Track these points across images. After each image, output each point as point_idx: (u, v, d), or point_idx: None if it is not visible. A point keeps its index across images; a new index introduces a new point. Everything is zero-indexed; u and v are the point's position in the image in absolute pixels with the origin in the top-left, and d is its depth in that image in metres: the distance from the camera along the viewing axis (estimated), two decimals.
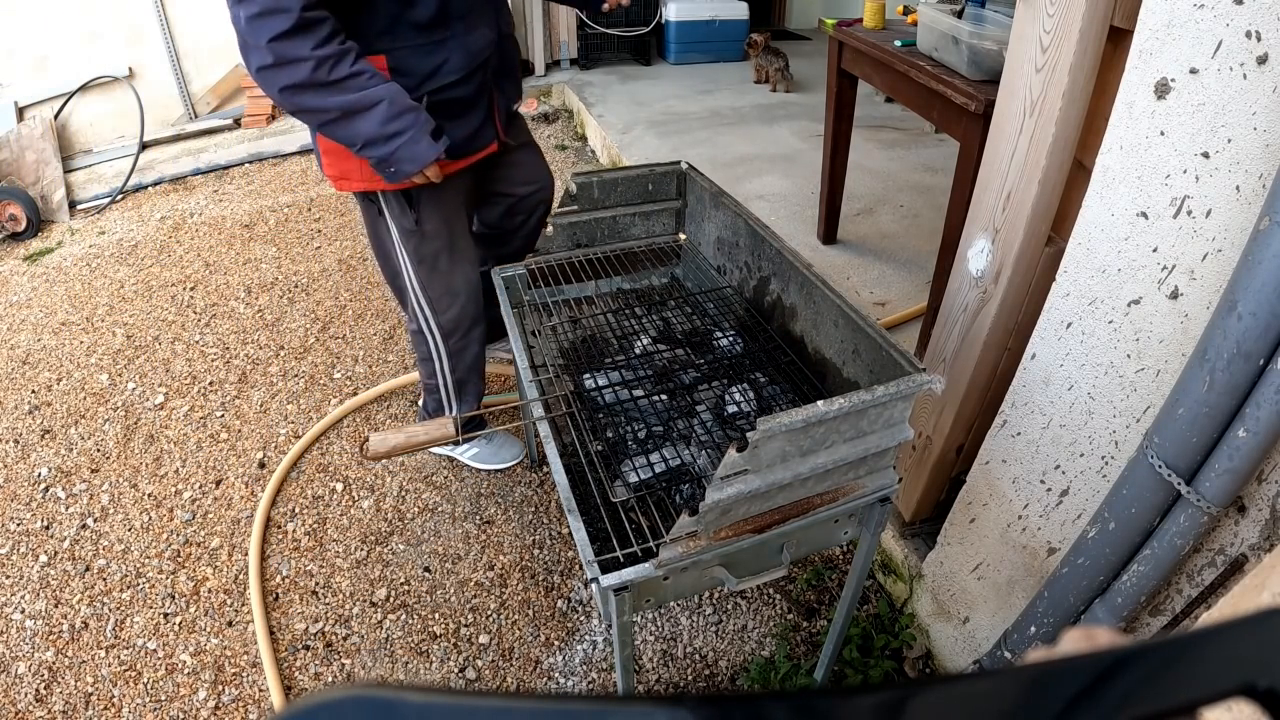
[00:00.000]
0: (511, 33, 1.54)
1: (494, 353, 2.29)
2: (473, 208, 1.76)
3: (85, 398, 2.32)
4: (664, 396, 1.21)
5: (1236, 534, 0.86)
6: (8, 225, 3.34)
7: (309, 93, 1.17)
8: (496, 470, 1.99)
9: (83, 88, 4.05)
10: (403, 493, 1.95)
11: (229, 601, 1.68)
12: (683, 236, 1.67)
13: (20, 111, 3.90)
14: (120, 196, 3.71)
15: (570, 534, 1.46)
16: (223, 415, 2.23)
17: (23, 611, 1.67)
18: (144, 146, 4.01)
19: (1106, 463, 1.03)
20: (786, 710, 0.18)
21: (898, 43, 2.04)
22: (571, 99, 4.65)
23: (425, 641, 1.59)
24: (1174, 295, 0.88)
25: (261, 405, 2.26)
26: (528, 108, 4.63)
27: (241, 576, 1.73)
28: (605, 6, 1.67)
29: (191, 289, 2.89)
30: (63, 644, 1.60)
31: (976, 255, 1.24)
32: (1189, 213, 0.84)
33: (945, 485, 1.53)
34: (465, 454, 2.00)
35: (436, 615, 1.65)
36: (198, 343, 2.56)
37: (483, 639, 1.60)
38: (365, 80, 1.20)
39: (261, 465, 2.04)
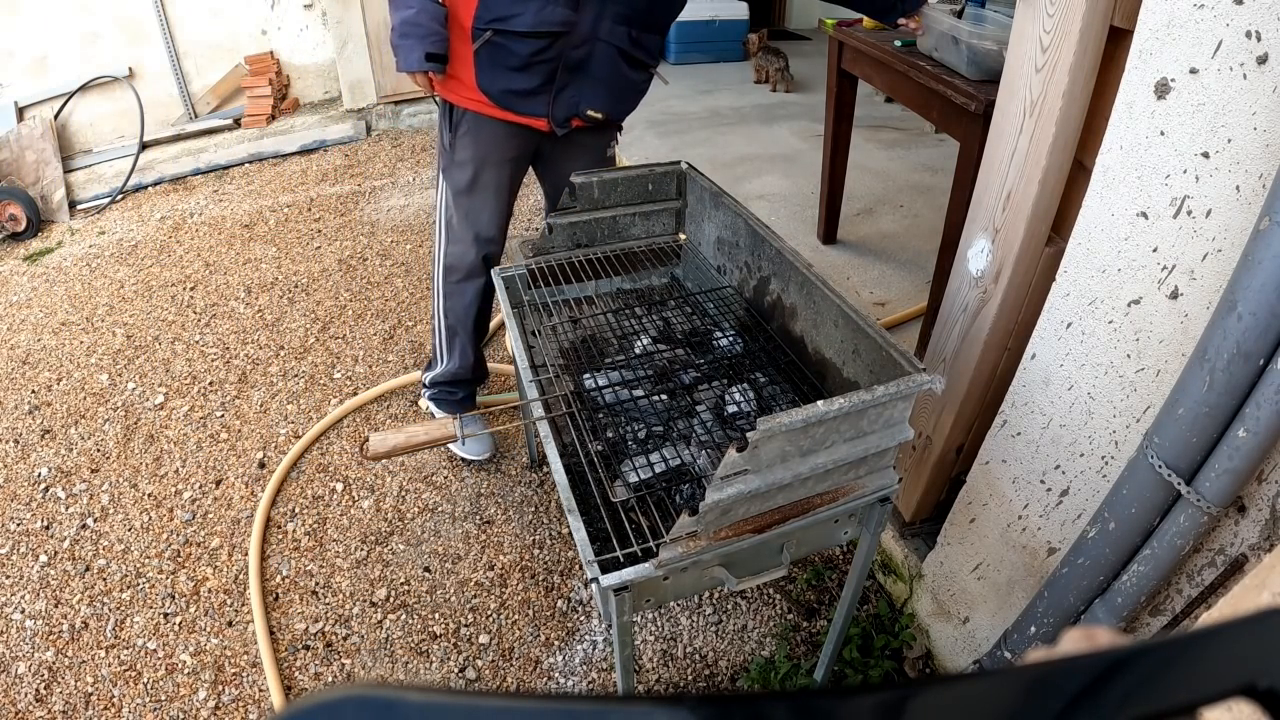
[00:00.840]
0: (624, 46, 1.55)
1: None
2: (540, 179, 1.88)
3: (85, 398, 2.32)
4: (664, 396, 1.21)
5: (1236, 534, 0.86)
6: (8, 225, 3.34)
7: None
8: (460, 457, 2.02)
9: (83, 88, 4.05)
10: (403, 493, 1.95)
11: (229, 601, 1.68)
12: (683, 236, 1.67)
13: (20, 111, 3.90)
14: (120, 196, 3.71)
15: (570, 534, 1.46)
16: (223, 415, 2.23)
17: (23, 611, 1.67)
18: (144, 146, 4.01)
19: (1106, 463, 1.03)
20: (786, 710, 0.18)
21: (898, 43, 2.04)
22: None
23: (425, 641, 1.59)
24: (1174, 295, 0.88)
25: (261, 405, 2.26)
26: None
27: (241, 576, 1.73)
28: (906, 25, 1.78)
29: (191, 289, 2.89)
30: (63, 644, 1.60)
31: (976, 255, 1.24)
32: (1189, 213, 0.84)
33: (945, 485, 1.53)
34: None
35: (436, 615, 1.65)
36: (198, 343, 2.56)
37: (483, 639, 1.60)
38: None
39: (261, 465, 2.04)
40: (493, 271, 1.54)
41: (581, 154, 1.74)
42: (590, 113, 1.62)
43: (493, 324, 2.54)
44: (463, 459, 2.01)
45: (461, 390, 2.00)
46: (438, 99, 1.64)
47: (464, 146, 1.64)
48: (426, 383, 2.01)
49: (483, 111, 1.59)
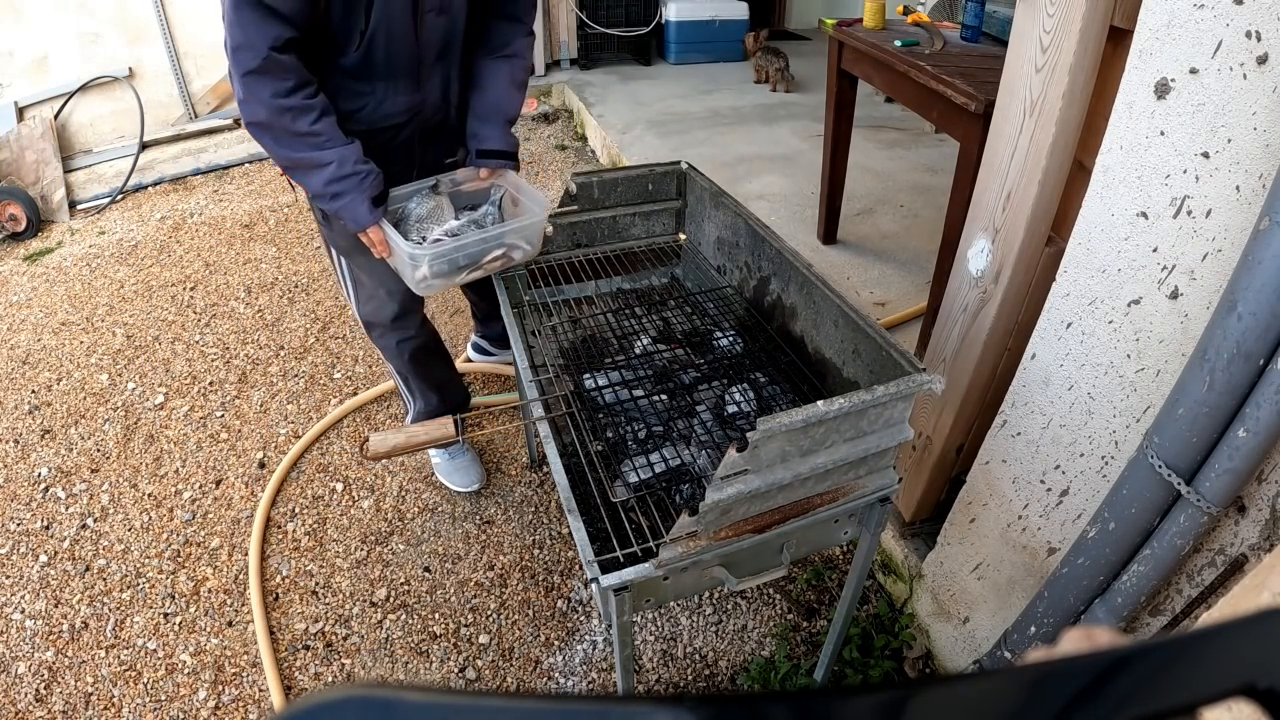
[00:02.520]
0: (458, 102, 1.52)
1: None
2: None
3: (85, 398, 2.32)
4: (664, 396, 1.21)
5: (1236, 534, 0.86)
6: (8, 225, 3.34)
7: (266, 134, 1.24)
8: (448, 487, 1.95)
9: (83, 88, 4.05)
10: (403, 493, 1.95)
11: (229, 601, 1.68)
12: (683, 236, 1.67)
13: (20, 111, 3.90)
14: (120, 196, 3.71)
15: (570, 534, 1.46)
16: (223, 415, 2.23)
17: (23, 611, 1.67)
18: (144, 146, 4.01)
19: (1106, 463, 1.03)
20: (786, 710, 0.18)
21: (898, 43, 2.04)
22: (571, 99, 4.65)
23: (425, 641, 1.59)
24: (1174, 295, 0.88)
25: (261, 405, 2.26)
26: (528, 108, 4.63)
27: (241, 576, 1.73)
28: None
29: (191, 289, 2.89)
30: (63, 644, 1.60)
31: (976, 255, 1.24)
32: (1189, 213, 0.84)
33: (945, 485, 1.53)
34: (433, 455, 1.99)
35: (436, 615, 1.65)
36: (198, 343, 2.56)
37: (483, 639, 1.60)
38: (320, 140, 1.25)
39: (261, 465, 2.04)
40: (493, 276, 1.50)
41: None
42: (447, 162, 1.59)
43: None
44: (451, 490, 1.94)
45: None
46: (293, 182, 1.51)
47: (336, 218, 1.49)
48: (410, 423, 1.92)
49: None
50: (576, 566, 1.74)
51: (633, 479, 1.06)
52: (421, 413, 1.88)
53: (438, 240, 1.34)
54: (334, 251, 1.60)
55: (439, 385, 1.84)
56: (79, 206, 3.64)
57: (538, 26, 4.82)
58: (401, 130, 1.46)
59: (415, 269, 1.30)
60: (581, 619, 1.63)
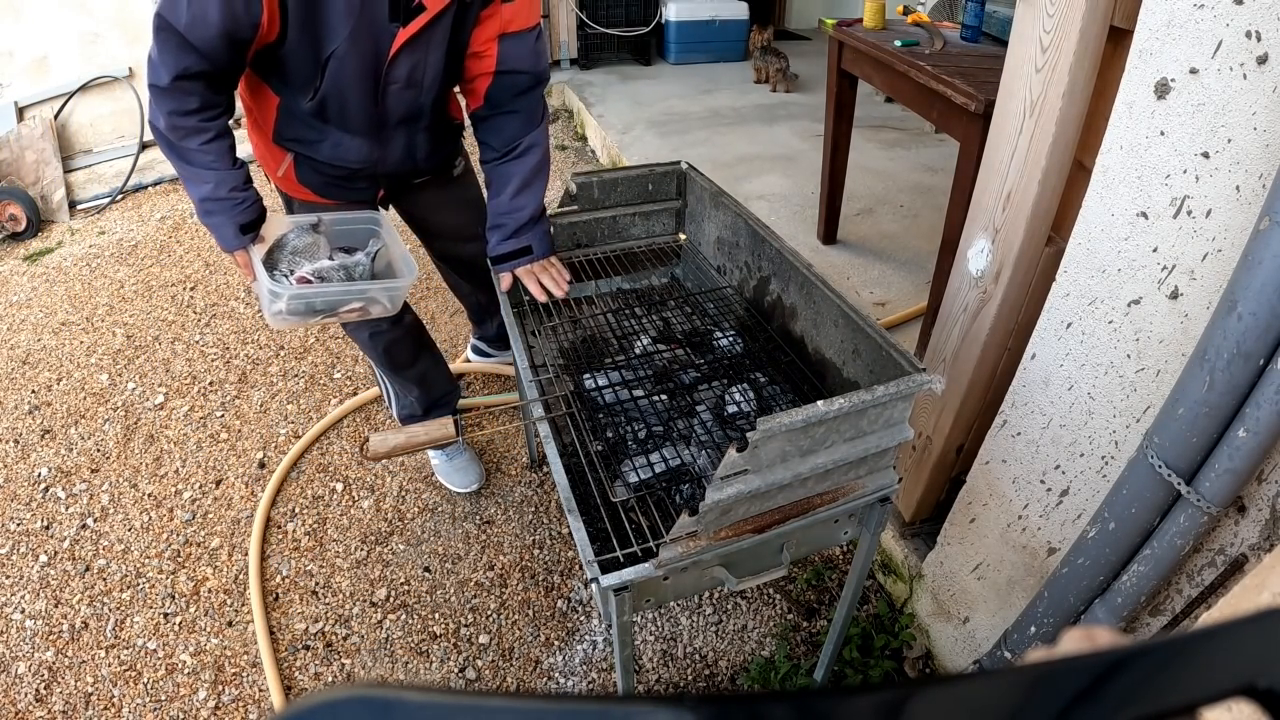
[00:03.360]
0: (435, 152, 1.53)
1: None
2: (412, 225, 1.80)
3: (85, 398, 2.32)
4: (664, 396, 1.21)
5: (1236, 534, 0.86)
6: (8, 225, 3.34)
7: (160, 140, 1.28)
8: (447, 488, 1.95)
9: (83, 88, 4.05)
10: (403, 493, 1.95)
11: (229, 601, 1.68)
12: (683, 236, 1.67)
13: (20, 111, 3.90)
14: (120, 196, 3.71)
15: (570, 534, 1.46)
16: (223, 415, 2.23)
17: (23, 611, 1.67)
18: (144, 146, 4.01)
19: (1106, 463, 1.03)
20: (786, 710, 0.18)
21: (898, 43, 2.04)
22: (571, 99, 4.65)
23: (425, 641, 1.59)
24: (1174, 295, 0.88)
25: (261, 405, 2.26)
26: None
27: (241, 576, 1.73)
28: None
29: (191, 289, 2.89)
30: (63, 644, 1.60)
31: (976, 255, 1.24)
32: (1189, 213, 0.84)
33: (945, 485, 1.53)
34: (432, 456, 1.99)
35: (436, 615, 1.65)
36: (198, 343, 2.56)
37: (483, 639, 1.60)
38: (206, 160, 1.28)
39: (261, 465, 2.04)
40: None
41: (439, 190, 1.66)
42: (416, 181, 1.60)
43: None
44: (451, 490, 1.94)
45: (435, 414, 1.88)
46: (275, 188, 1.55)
47: (301, 211, 1.53)
48: (399, 419, 1.93)
49: (310, 200, 1.50)
50: (576, 566, 1.74)
51: (633, 479, 1.06)
52: (405, 408, 1.87)
53: (304, 279, 1.34)
54: None
55: (420, 379, 1.80)
56: (79, 206, 3.64)
57: None
58: (359, 174, 1.47)
59: (273, 303, 1.30)
60: (581, 619, 1.63)
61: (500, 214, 1.46)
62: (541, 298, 1.42)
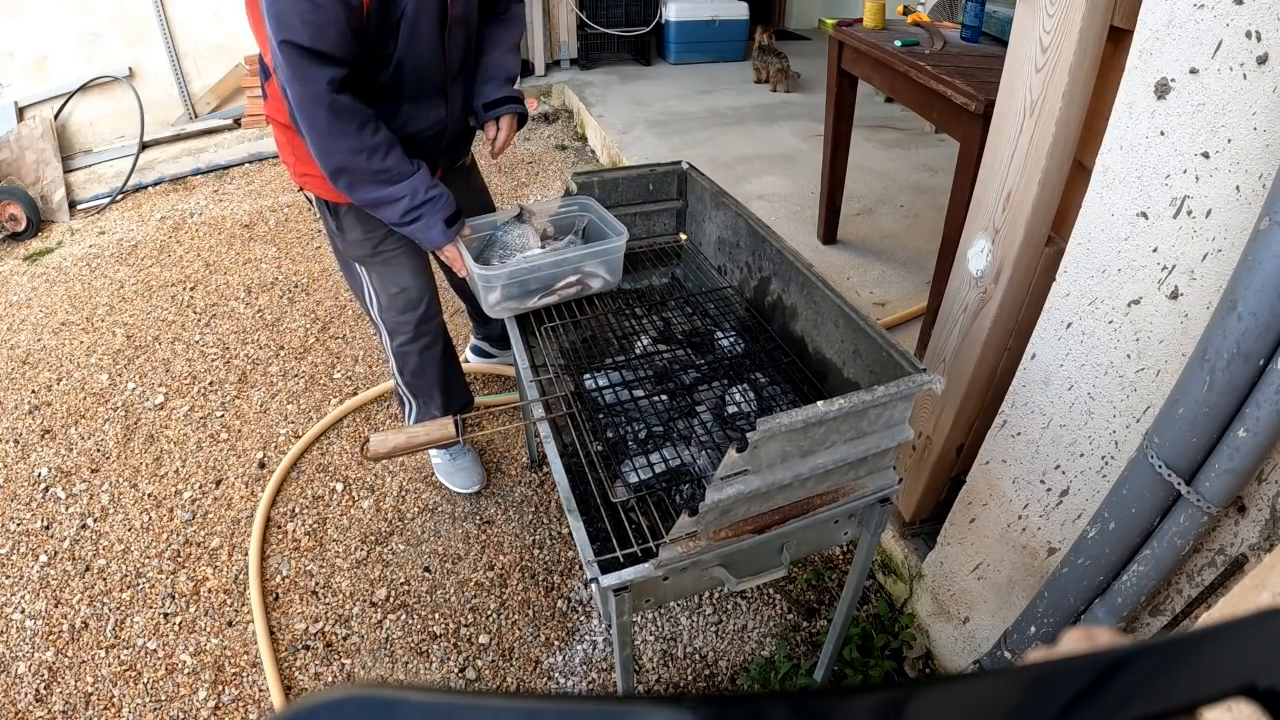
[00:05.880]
0: (462, 111, 1.56)
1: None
2: None
3: (85, 398, 2.32)
4: (664, 397, 1.21)
5: (1236, 534, 0.86)
6: (8, 225, 3.34)
7: (342, 178, 1.28)
8: (447, 487, 1.95)
9: (83, 88, 4.05)
10: (403, 493, 1.95)
11: (229, 601, 1.68)
12: (683, 236, 1.67)
13: (20, 111, 3.90)
14: (120, 196, 3.71)
15: (570, 534, 1.46)
16: (223, 415, 2.23)
17: (23, 611, 1.67)
18: (144, 146, 4.01)
19: (1106, 463, 1.03)
20: (786, 710, 0.18)
21: (898, 43, 2.04)
22: (571, 99, 4.65)
23: (425, 641, 1.59)
24: (1174, 295, 0.88)
25: (261, 405, 2.26)
26: (528, 108, 4.62)
27: (241, 576, 1.73)
28: (486, 145, 1.66)
29: (191, 289, 2.89)
30: (63, 644, 1.60)
31: (976, 255, 1.24)
32: (1189, 213, 0.84)
33: (945, 485, 1.53)
34: (434, 455, 1.99)
35: (436, 615, 1.65)
36: (198, 343, 2.56)
37: (483, 639, 1.60)
38: (391, 175, 1.30)
39: (261, 465, 2.04)
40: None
41: (455, 181, 1.66)
42: (456, 166, 1.64)
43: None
44: (452, 490, 1.95)
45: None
46: (309, 195, 1.54)
47: (350, 228, 1.52)
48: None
49: None
50: (576, 566, 1.74)
51: (633, 479, 1.06)
52: (425, 418, 1.87)
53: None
54: (353, 263, 1.60)
55: (446, 386, 1.83)
56: (79, 206, 3.64)
57: (537, 27, 4.83)
58: (428, 144, 1.47)
59: (489, 292, 1.33)
60: (581, 619, 1.63)
61: (494, 68, 1.52)
62: (507, 145, 1.54)
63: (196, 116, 4.44)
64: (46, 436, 2.17)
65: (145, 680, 1.52)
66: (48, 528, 1.87)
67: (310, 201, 1.57)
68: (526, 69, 4.93)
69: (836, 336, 1.15)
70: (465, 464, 1.94)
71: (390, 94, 1.35)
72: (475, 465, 1.96)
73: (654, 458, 1.09)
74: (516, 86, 1.57)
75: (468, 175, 1.78)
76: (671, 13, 5.04)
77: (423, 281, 1.64)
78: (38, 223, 3.43)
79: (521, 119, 1.56)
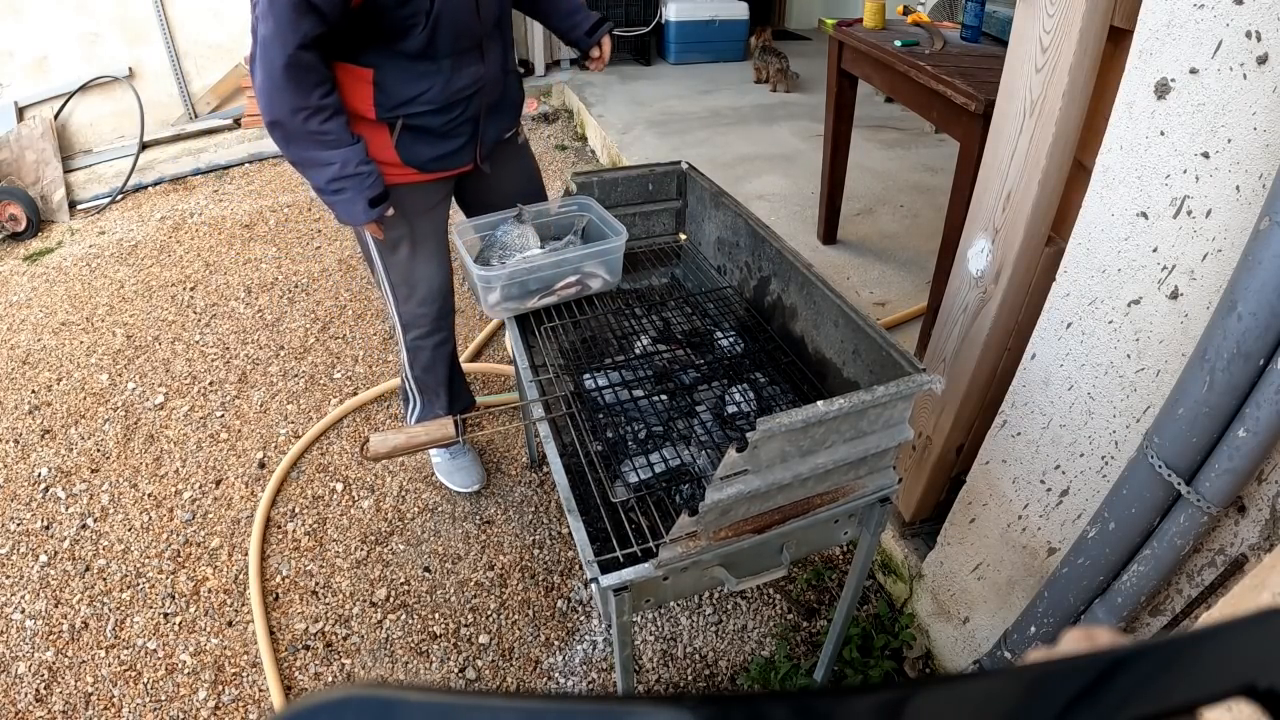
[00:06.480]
0: (515, 69, 1.57)
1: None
2: (466, 209, 1.76)
3: (85, 398, 2.32)
4: (664, 397, 1.21)
5: (1236, 534, 0.86)
6: (8, 225, 3.34)
7: (278, 131, 1.29)
8: (447, 487, 1.95)
9: (83, 88, 4.05)
10: (403, 493, 1.95)
11: (229, 601, 1.68)
12: (683, 236, 1.67)
13: (20, 111, 3.90)
14: (120, 196, 3.71)
15: (570, 534, 1.46)
16: (223, 415, 2.23)
17: (23, 611, 1.67)
18: (144, 146, 4.01)
19: (1106, 463, 1.03)
20: (786, 710, 0.18)
21: (898, 43, 2.04)
22: (571, 99, 4.65)
23: (425, 641, 1.59)
24: (1174, 295, 0.88)
25: (261, 405, 2.26)
26: (528, 108, 4.63)
27: (241, 576, 1.73)
28: (591, 65, 1.73)
29: (191, 289, 2.89)
30: (63, 644, 1.60)
31: (976, 255, 1.24)
32: (1189, 213, 0.84)
33: (945, 485, 1.53)
34: (434, 455, 1.99)
35: (436, 615, 1.65)
36: (198, 343, 2.56)
37: (483, 639, 1.60)
38: (329, 139, 1.30)
39: (261, 465, 2.04)
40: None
41: (507, 160, 1.67)
42: (505, 136, 1.61)
43: (491, 325, 2.55)
44: (452, 490, 1.95)
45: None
46: None
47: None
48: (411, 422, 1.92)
49: (405, 181, 1.48)
50: (576, 566, 1.74)
51: (633, 479, 1.06)
52: (428, 416, 1.87)
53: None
54: (374, 256, 1.61)
55: (451, 386, 1.84)
56: (79, 206, 3.64)
57: (537, 27, 4.83)
58: (469, 104, 1.47)
59: (489, 292, 1.33)
60: (581, 619, 1.63)
61: (574, 9, 1.65)
62: (605, 60, 1.68)
63: (196, 116, 4.44)
64: (46, 436, 2.17)
65: (145, 680, 1.52)
66: (48, 528, 1.87)
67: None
68: (527, 69, 4.94)
69: (836, 336, 1.15)
70: (465, 463, 1.94)
71: (428, 53, 1.35)
72: (475, 465, 1.96)
73: (654, 458, 1.09)
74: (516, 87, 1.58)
75: (520, 155, 1.73)
76: (671, 13, 5.04)
77: (444, 275, 1.65)
78: (38, 223, 3.43)
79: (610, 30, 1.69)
